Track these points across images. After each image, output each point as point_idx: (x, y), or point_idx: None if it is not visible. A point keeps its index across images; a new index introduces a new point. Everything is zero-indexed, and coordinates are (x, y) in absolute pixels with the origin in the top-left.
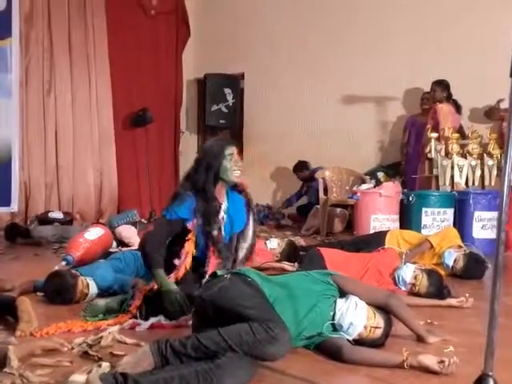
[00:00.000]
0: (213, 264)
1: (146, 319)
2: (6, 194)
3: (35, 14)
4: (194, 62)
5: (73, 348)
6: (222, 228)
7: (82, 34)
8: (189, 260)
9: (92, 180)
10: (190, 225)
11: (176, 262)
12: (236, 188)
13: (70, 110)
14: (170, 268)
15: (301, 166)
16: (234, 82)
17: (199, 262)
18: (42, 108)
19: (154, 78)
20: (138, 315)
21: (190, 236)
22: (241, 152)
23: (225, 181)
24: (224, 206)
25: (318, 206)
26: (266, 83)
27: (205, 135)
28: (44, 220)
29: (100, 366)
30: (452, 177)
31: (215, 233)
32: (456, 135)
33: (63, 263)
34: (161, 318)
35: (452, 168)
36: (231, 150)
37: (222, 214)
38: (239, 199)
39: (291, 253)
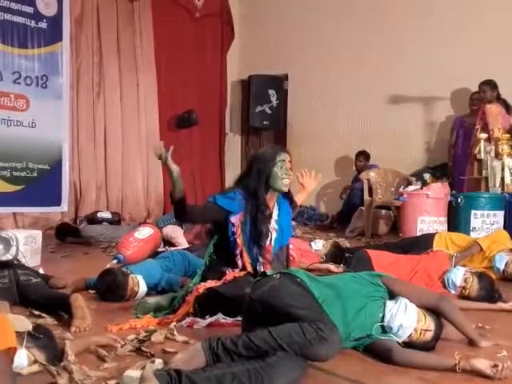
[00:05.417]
0: None
1: (203, 317)
2: (57, 194)
3: (85, 18)
4: (238, 63)
5: (125, 344)
6: (273, 238)
7: (129, 37)
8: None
9: (140, 181)
10: (233, 219)
11: (225, 269)
12: (286, 195)
13: (119, 112)
14: (220, 273)
15: (364, 155)
16: (278, 82)
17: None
18: (91, 110)
19: (198, 79)
20: (196, 313)
21: (237, 231)
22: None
23: (274, 189)
24: (275, 214)
25: (363, 208)
26: (310, 84)
27: (248, 136)
28: (92, 220)
29: (153, 362)
30: (502, 178)
31: (267, 243)
32: (506, 136)
33: (114, 261)
34: (219, 317)
35: (502, 169)
36: (283, 157)
37: (273, 224)
38: (287, 206)
39: (337, 254)
